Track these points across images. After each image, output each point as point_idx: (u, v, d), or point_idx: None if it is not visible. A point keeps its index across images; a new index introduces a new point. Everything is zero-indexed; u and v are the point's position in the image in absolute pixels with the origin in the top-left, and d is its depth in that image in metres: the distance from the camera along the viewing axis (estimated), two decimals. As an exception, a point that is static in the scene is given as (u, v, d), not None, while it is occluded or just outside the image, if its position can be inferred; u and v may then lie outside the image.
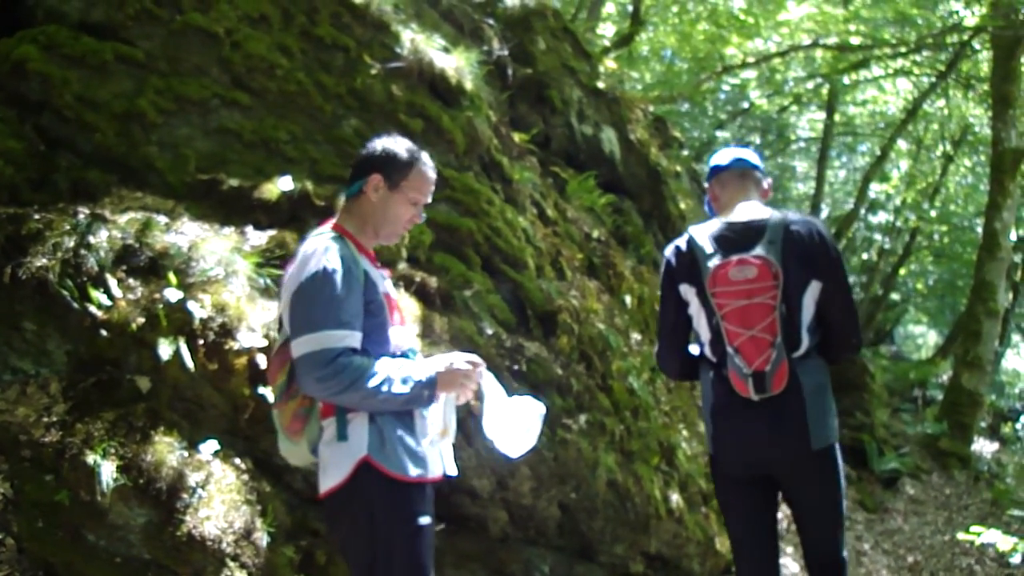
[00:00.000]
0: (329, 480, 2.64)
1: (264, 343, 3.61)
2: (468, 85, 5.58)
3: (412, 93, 5.24)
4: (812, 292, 3.12)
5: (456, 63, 5.55)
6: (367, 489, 2.60)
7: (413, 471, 2.66)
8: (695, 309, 3.25)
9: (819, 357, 3.22)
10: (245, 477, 3.41)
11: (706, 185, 3.55)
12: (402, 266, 4.47)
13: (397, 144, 2.85)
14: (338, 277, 2.59)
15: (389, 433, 2.64)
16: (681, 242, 3.30)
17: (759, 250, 3.08)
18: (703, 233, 3.23)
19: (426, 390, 2.65)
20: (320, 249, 2.63)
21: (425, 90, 5.36)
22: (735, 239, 3.15)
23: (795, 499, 3.31)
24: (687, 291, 3.25)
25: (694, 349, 3.43)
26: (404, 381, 2.61)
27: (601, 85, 8.80)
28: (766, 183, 3.44)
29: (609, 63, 10.20)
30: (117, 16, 4.49)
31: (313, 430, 2.69)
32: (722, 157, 3.49)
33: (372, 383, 2.55)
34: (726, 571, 7.08)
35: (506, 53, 7.26)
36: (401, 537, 2.64)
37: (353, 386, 2.53)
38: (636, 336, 6.67)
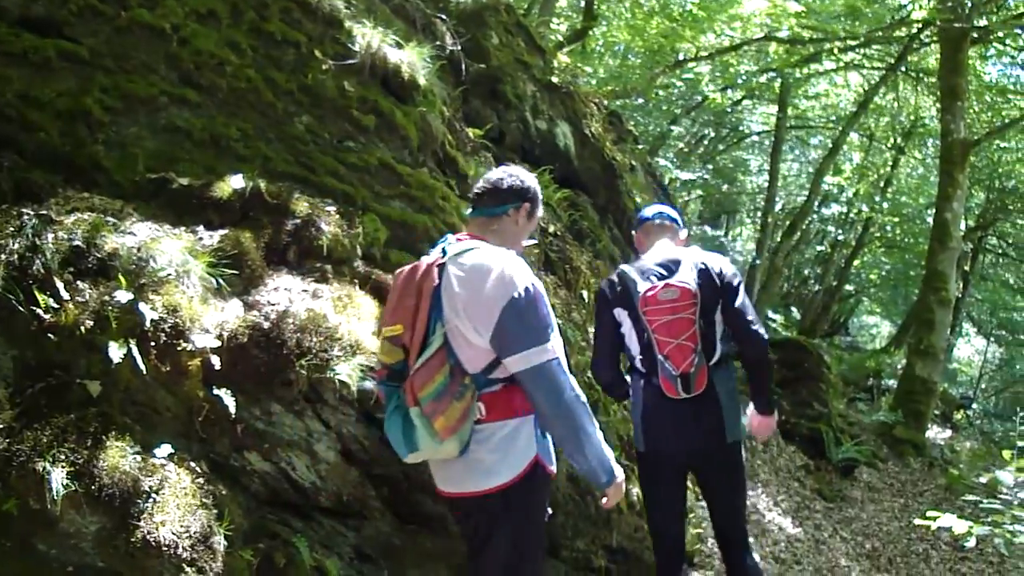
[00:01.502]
0: (497, 478, 2.96)
1: (217, 344, 3.55)
2: (421, 80, 5.53)
3: (364, 89, 5.19)
4: (718, 310, 3.89)
5: (409, 58, 5.50)
6: (537, 484, 3.02)
7: (552, 466, 3.14)
8: (627, 328, 4.00)
9: (729, 366, 4.00)
10: (201, 481, 3.34)
11: (633, 233, 4.36)
12: (357, 264, 4.42)
13: (534, 180, 3.35)
14: (543, 292, 2.99)
15: (540, 433, 3.07)
16: (613, 276, 4.06)
17: (679, 277, 3.84)
18: (632, 269, 3.99)
19: (609, 473, 3.01)
20: (522, 266, 2.99)
21: (377, 86, 5.31)
22: (658, 271, 3.92)
23: (708, 483, 4.09)
24: (620, 314, 3.99)
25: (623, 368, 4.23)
26: (596, 444, 2.98)
27: (555, 80, 8.80)
28: (682, 234, 4.26)
29: (563, 58, 10.19)
30: (60, 12, 4.37)
31: (467, 430, 2.93)
32: (647, 211, 4.31)
33: (587, 418, 2.95)
34: (687, 564, 7.10)
35: (459, 48, 7.22)
36: (540, 523, 3.13)
37: (569, 406, 2.90)
38: (593, 331, 6.66)
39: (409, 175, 5.14)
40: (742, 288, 4.01)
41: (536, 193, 3.31)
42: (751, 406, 4.19)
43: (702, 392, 3.82)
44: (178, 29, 4.66)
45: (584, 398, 2.97)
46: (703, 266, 3.88)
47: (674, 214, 4.29)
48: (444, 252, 3.09)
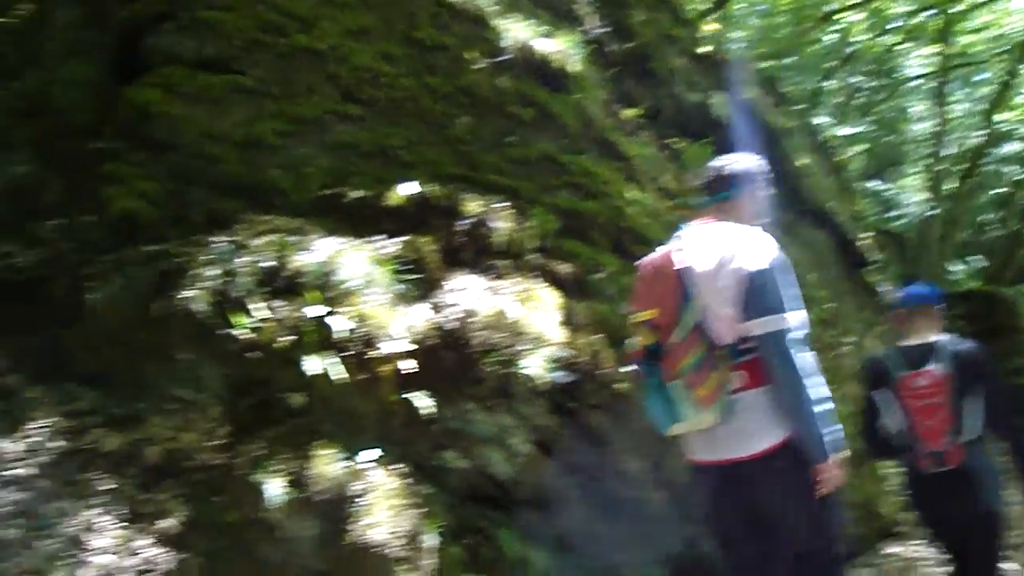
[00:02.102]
0: (764, 442, 3.01)
1: (409, 348, 3.64)
2: (573, 67, 5.52)
3: (519, 83, 5.22)
4: (971, 394, 4.16)
5: (558, 47, 5.49)
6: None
7: None
8: (887, 408, 4.32)
9: (982, 443, 4.21)
10: (406, 481, 3.45)
11: (892, 313, 4.78)
12: (532, 257, 4.45)
13: (756, 161, 3.46)
14: (787, 266, 3.09)
15: None
16: (877, 359, 4.48)
17: (932, 365, 4.21)
18: (892, 353, 4.38)
19: (823, 450, 2.95)
20: (766, 241, 3.10)
21: (531, 78, 5.33)
22: (915, 357, 4.27)
23: (964, 549, 4.29)
24: (883, 393, 4.32)
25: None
26: (822, 416, 2.95)
27: (703, 50, 8.60)
28: (939, 308, 4.46)
29: (709, 26, 9.96)
30: (228, 49, 4.60)
31: (726, 398, 3.02)
32: (904, 294, 4.60)
33: (812, 391, 2.95)
34: (889, 534, 6.88)
35: (605, 30, 7.16)
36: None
37: (798, 375, 2.93)
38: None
39: (572, 163, 5.14)
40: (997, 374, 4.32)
41: (759, 173, 3.44)
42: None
43: (957, 467, 4.13)
44: (335, 49, 4.81)
45: (816, 374, 2.99)
46: (954, 352, 4.21)
47: (929, 294, 4.56)
48: (687, 236, 3.23)
